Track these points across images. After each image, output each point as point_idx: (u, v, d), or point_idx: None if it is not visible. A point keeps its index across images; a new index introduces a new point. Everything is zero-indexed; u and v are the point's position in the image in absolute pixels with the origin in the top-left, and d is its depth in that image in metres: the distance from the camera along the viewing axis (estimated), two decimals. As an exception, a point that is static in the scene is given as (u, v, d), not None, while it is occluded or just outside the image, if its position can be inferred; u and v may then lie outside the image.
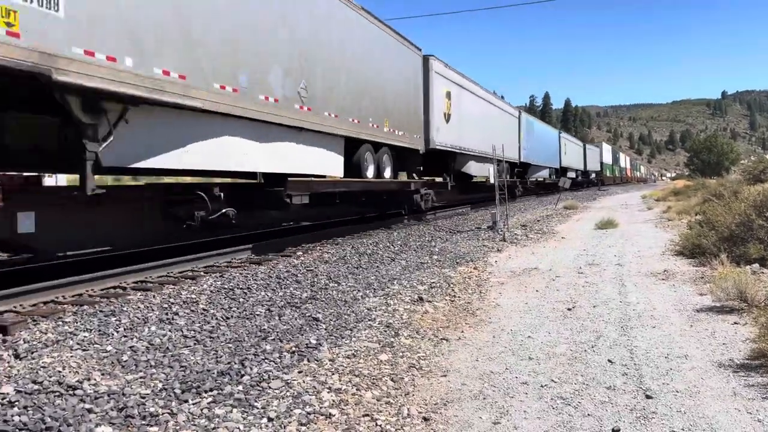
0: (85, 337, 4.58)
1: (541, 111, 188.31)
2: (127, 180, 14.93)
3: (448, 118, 16.92)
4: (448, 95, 17.11)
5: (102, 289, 6.40)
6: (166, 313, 5.39)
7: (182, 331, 4.94)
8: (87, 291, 6.26)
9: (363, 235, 12.41)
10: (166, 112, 6.65)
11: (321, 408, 3.59)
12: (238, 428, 3.31)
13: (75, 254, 7.49)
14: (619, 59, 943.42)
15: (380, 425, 3.39)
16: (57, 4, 5.04)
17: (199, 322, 5.24)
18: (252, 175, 9.41)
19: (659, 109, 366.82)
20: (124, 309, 5.40)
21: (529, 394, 3.84)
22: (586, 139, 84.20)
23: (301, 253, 9.51)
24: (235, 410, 3.51)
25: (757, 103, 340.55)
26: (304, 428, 3.35)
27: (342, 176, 11.25)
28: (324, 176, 10.66)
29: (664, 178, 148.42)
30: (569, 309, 6.11)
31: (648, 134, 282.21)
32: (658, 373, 4.11)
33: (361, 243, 10.78)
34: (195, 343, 4.70)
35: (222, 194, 8.09)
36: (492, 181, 18.16)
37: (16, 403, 3.38)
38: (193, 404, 3.57)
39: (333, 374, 4.17)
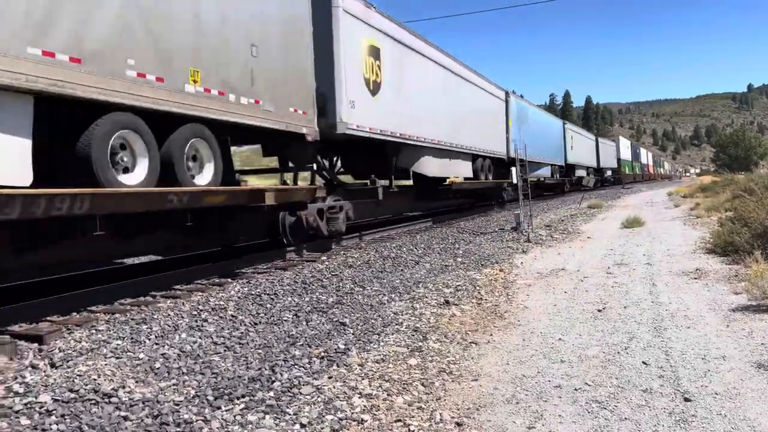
0: (118, 345, 4.64)
1: (562, 109, 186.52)
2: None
3: (374, 87, 11.20)
4: (375, 53, 11.33)
5: (132, 298, 6.48)
6: (196, 320, 5.44)
7: (212, 338, 4.98)
8: (118, 300, 6.34)
9: (386, 239, 12.39)
10: None
11: (353, 413, 3.58)
12: (272, 435, 3.31)
13: (101, 266, 7.60)
14: (641, 54, 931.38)
15: (413, 431, 3.37)
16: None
17: (228, 329, 5.27)
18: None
19: (683, 104, 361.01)
20: (155, 317, 5.46)
21: (563, 397, 3.78)
22: (607, 136, 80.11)
23: (325, 258, 9.53)
24: (267, 416, 3.52)
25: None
26: (336, 434, 3.34)
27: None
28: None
29: (688, 174, 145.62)
30: (599, 310, 6.01)
31: (672, 130, 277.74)
32: (695, 375, 4.02)
33: (385, 247, 10.77)
34: (225, 350, 4.73)
35: None
36: (455, 178, 16.19)
37: (54, 411, 3.43)
38: (226, 411, 3.59)
39: (363, 379, 4.16)
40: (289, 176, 10.29)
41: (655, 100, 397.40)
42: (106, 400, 3.63)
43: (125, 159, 5.88)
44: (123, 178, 5.80)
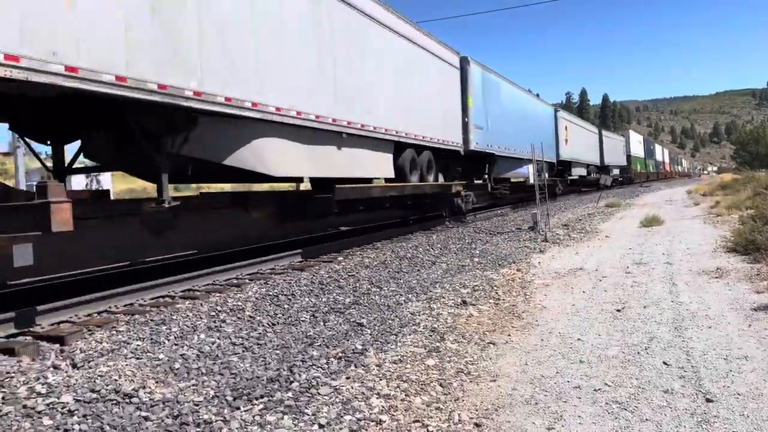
0: (138, 345, 4.69)
1: (578, 107, 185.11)
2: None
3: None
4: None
5: (152, 299, 6.55)
6: (214, 321, 5.48)
7: (230, 339, 5.01)
8: (137, 301, 6.41)
9: (402, 239, 12.39)
10: None
11: (371, 414, 3.58)
12: (290, 435, 3.33)
13: (121, 266, 7.68)
14: (658, 52, 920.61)
15: (431, 431, 3.36)
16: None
17: (246, 329, 5.31)
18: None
19: (702, 101, 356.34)
20: (174, 318, 5.51)
21: (582, 398, 3.75)
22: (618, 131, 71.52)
23: (341, 258, 9.55)
24: (286, 417, 3.54)
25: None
26: (355, 435, 3.34)
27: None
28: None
29: (707, 171, 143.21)
30: (618, 310, 5.95)
31: (690, 127, 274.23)
32: (717, 376, 3.96)
33: (401, 247, 10.76)
34: (243, 350, 4.75)
35: None
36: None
37: (76, 411, 3.47)
38: (245, 411, 3.61)
39: (381, 380, 4.16)
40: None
41: (674, 98, 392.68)
42: (127, 400, 3.67)
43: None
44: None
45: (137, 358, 4.42)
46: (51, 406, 3.54)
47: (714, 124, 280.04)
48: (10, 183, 9.62)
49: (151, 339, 4.88)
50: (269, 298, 6.46)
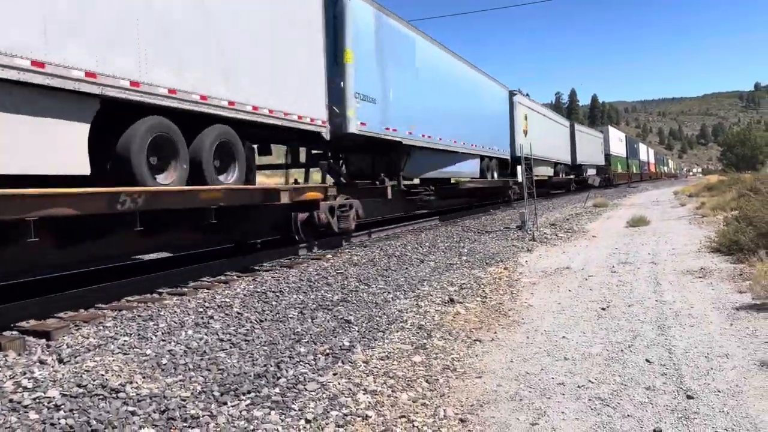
0: (125, 341, 4.69)
1: (568, 108, 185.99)
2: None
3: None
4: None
5: (139, 294, 6.54)
6: (202, 317, 5.48)
7: (218, 335, 5.02)
8: (125, 296, 6.39)
9: (391, 236, 12.42)
10: None
11: (357, 410, 3.62)
12: (277, 430, 3.35)
13: (111, 263, 7.66)
14: (647, 53, 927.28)
15: (417, 426, 3.40)
16: None
17: (234, 326, 5.32)
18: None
19: (689, 102, 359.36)
20: (161, 313, 5.51)
21: (566, 395, 3.80)
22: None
23: (330, 255, 9.56)
24: (273, 412, 3.56)
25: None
26: (341, 430, 3.38)
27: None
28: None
29: (693, 173, 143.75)
30: (603, 309, 6.03)
31: (678, 129, 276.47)
32: (698, 373, 4.04)
33: (390, 245, 10.80)
34: (231, 346, 4.77)
35: None
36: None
37: (62, 406, 3.47)
38: (232, 406, 3.63)
39: (368, 376, 4.19)
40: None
41: (662, 99, 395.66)
42: (114, 395, 3.67)
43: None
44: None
45: (124, 354, 4.42)
46: (37, 400, 3.54)
47: (701, 125, 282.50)
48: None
49: (139, 335, 4.88)
50: (257, 294, 6.47)
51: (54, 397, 3.59)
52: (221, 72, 7.16)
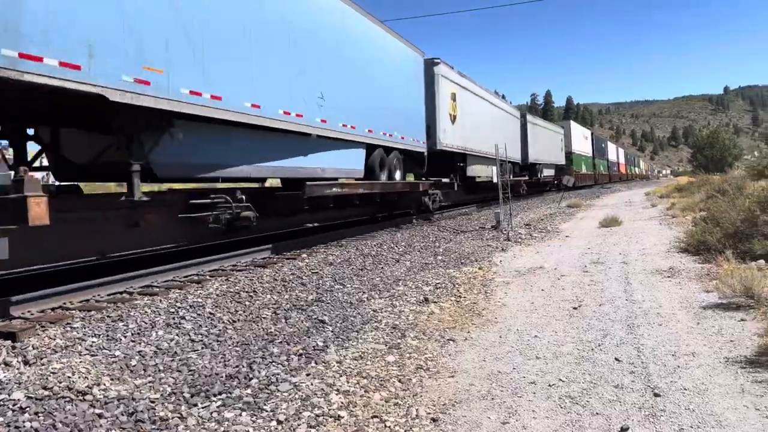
0: (93, 342, 4.60)
1: (543, 109, 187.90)
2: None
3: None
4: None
5: (109, 294, 6.43)
6: (173, 318, 5.41)
7: (189, 335, 4.96)
8: (94, 296, 6.28)
9: (367, 236, 12.42)
10: None
11: (330, 410, 3.60)
12: (248, 431, 3.32)
13: (82, 261, 7.50)
14: (621, 56, 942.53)
15: (389, 426, 3.40)
16: None
17: (206, 326, 5.26)
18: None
19: (661, 105, 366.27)
20: (132, 314, 5.42)
21: (537, 393, 3.84)
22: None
23: (305, 255, 9.52)
24: (244, 413, 3.53)
25: (759, 98, 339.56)
26: (313, 431, 3.36)
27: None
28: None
29: (663, 174, 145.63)
30: (575, 308, 6.10)
31: (650, 131, 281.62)
32: (665, 371, 4.11)
33: (366, 245, 10.79)
34: (203, 347, 4.71)
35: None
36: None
37: (27, 409, 3.40)
38: (203, 408, 3.59)
39: (341, 376, 4.18)
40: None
41: (635, 101, 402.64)
42: (81, 397, 3.61)
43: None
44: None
45: (92, 355, 4.34)
46: (1, 403, 3.45)
47: (672, 128, 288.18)
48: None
49: (107, 335, 4.79)
50: (230, 294, 6.41)
51: (19, 400, 3.51)
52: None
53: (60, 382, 3.79)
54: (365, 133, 11.80)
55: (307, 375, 4.20)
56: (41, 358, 4.23)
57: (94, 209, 6.98)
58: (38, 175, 8.10)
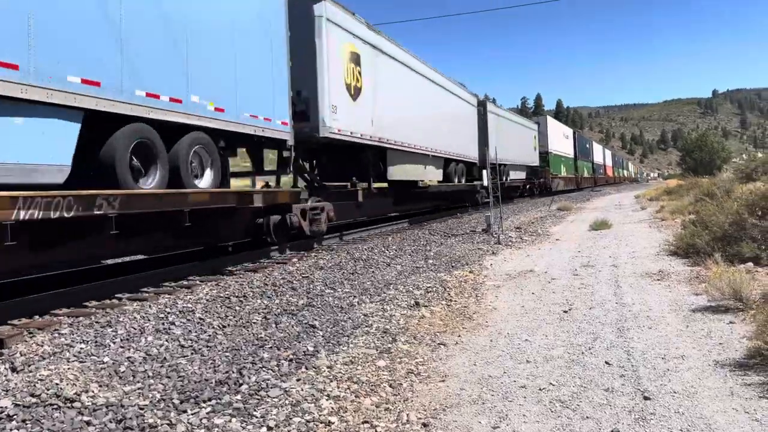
0: (81, 348, 4.56)
1: (534, 112, 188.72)
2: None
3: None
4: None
5: (97, 300, 6.38)
6: (163, 323, 5.37)
7: (179, 341, 4.93)
8: (82, 302, 6.22)
9: (357, 240, 12.41)
10: None
11: (320, 416, 3.59)
12: (238, 438, 3.30)
13: (68, 268, 7.45)
14: (610, 60, 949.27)
15: (380, 432, 3.39)
16: None
17: (196, 332, 5.23)
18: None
19: (650, 108, 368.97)
20: (121, 319, 5.38)
21: (527, 397, 3.84)
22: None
23: (296, 260, 9.50)
24: (234, 420, 3.51)
25: (747, 101, 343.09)
26: (303, 437, 3.35)
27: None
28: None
29: (652, 177, 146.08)
30: (565, 311, 6.12)
31: (640, 134, 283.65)
32: (655, 375, 4.13)
33: (356, 248, 10.78)
34: (192, 353, 4.68)
35: None
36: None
37: (15, 416, 3.36)
38: (192, 414, 3.56)
39: (331, 381, 4.17)
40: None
41: (624, 105, 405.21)
42: (69, 404, 3.57)
43: None
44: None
45: (80, 362, 4.30)
46: (-13, 411, 3.41)
47: (662, 131, 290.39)
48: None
49: (96, 341, 4.75)
50: (220, 299, 6.38)
51: (6, 407, 3.48)
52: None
53: (48, 389, 3.75)
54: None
55: (298, 380, 4.19)
56: (29, 365, 4.19)
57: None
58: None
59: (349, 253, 10.11)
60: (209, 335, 5.16)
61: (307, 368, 4.43)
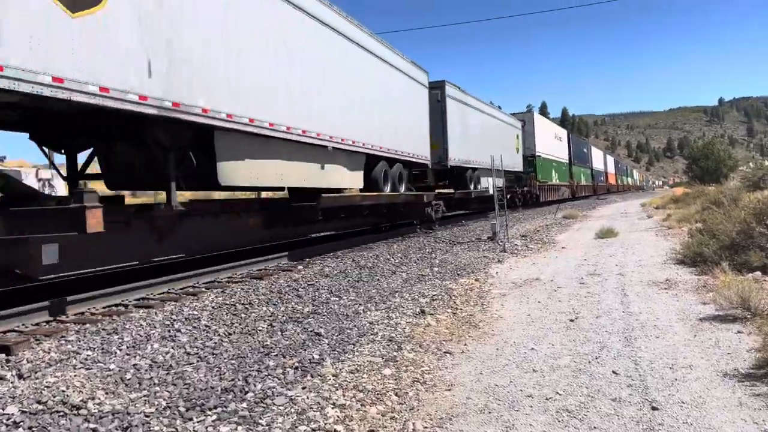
0: (88, 355, 4.57)
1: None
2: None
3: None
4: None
5: (104, 307, 6.40)
6: (169, 330, 5.38)
7: (185, 348, 4.93)
8: (89, 309, 6.25)
9: (363, 248, 12.41)
10: None
11: (326, 424, 3.58)
12: (244, 446, 3.30)
13: (74, 273, 7.47)
14: (616, 68, 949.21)
15: (386, 441, 3.38)
16: None
17: (202, 339, 5.23)
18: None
19: (656, 116, 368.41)
20: (127, 327, 5.39)
21: (534, 407, 3.82)
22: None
23: (301, 267, 9.50)
24: (240, 428, 3.50)
25: (754, 109, 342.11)
26: (309, 445, 3.34)
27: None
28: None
29: (657, 184, 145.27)
30: (572, 320, 6.09)
31: (646, 142, 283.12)
32: (663, 384, 4.10)
33: (362, 256, 10.78)
34: (198, 360, 4.69)
35: None
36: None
37: (21, 423, 3.37)
38: (198, 422, 3.56)
39: (337, 390, 4.16)
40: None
41: (630, 113, 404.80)
42: (75, 412, 3.58)
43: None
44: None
45: (87, 369, 4.31)
46: (-6, 418, 3.42)
47: (668, 139, 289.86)
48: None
49: (102, 348, 4.77)
50: (226, 307, 6.39)
51: (13, 414, 3.49)
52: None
53: (54, 396, 3.76)
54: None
55: (303, 388, 4.18)
56: (35, 372, 4.20)
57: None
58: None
59: (354, 261, 10.11)
60: (215, 342, 5.16)
61: (312, 376, 4.42)
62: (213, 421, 3.58)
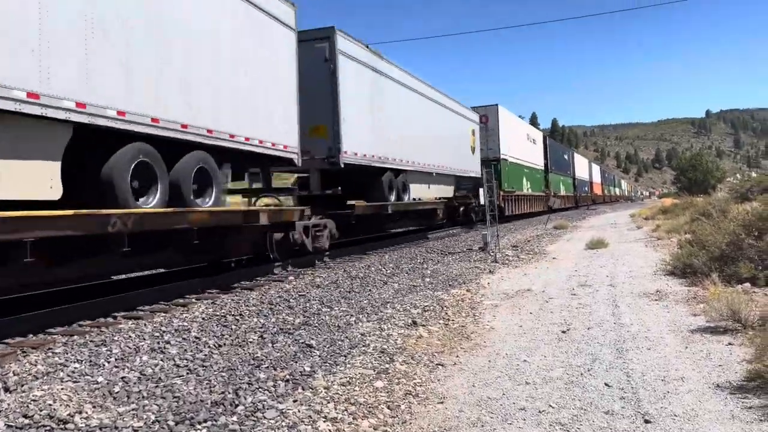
0: (75, 368, 4.51)
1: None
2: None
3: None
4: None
5: (92, 319, 6.32)
6: (158, 342, 5.32)
7: (174, 360, 4.88)
8: (77, 321, 6.17)
9: (354, 258, 12.37)
10: None
11: (317, 438, 3.54)
12: (234, 461, 3.25)
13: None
14: (605, 80, 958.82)
15: (378, 455, 3.34)
16: None
17: (192, 351, 5.17)
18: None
19: (645, 128, 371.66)
20: (115, 338, 5.33)
21: (527, 420, 3.80)
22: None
23: (292, 278, 9.46)
24: (230, 442, 3.45)
25: (740, 121, 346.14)
26: (300, 460, 3.29)
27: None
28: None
29: (644, 196, 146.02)
30: (564, 331, 6.09)
31: (634, 153, 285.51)
32: (655, 397, 4.10)
33: (353, 266, 10.75)
34: (188, 373, 4.63)
35: None
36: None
37: (6, 439, 3.30)
38: (187, 437, 3.50)
39: (328, 403, 4.11)
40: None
41: (619, 124, 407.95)
42: (62, 426, 3.52)
43: None
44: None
45: (74, 382, 4.24)
46: (-22, 433, 3.35)
47: (656, 150, 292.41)
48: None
49: (90, 361, 4.70)
50: (216, 318, 6.33)
51: (-3, 429, 3.41)
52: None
53: (41, 410, 3.69)
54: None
55: (294, 401, 4.13)
56: (22, 385, 4.13)
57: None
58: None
59: (345, 271, 10.08)
60: (205, 354, 5.10)
61: (303, 389, 4.38)
62: (203, 435, 3.53)
